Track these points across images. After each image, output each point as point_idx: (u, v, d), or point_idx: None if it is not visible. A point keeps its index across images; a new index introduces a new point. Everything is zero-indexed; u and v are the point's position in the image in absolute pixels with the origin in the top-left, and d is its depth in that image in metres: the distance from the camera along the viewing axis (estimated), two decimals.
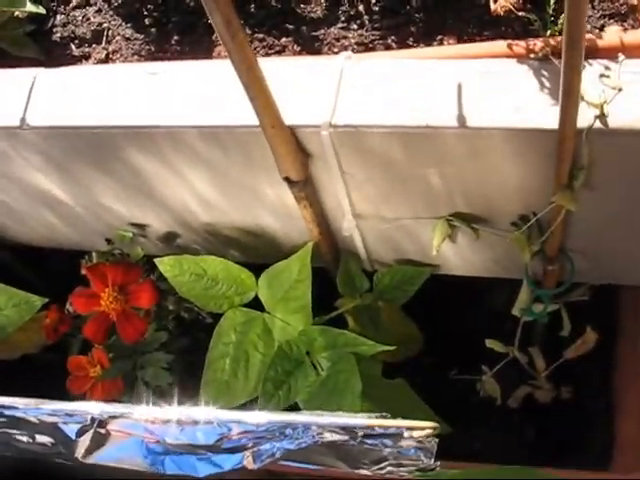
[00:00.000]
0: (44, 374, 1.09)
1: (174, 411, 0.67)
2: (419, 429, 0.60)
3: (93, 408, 0.68)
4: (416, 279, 0.93)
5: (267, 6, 0.95)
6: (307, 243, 0.89)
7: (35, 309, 0.98)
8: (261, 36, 0.92)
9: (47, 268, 1.22)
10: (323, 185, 0.83)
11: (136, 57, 0.96)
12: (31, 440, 0.72)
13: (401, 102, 0.73)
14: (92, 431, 0.69)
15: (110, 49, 0.97)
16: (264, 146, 0.76)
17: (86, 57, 0.98)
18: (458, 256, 0.92)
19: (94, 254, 0.99)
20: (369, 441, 0.65)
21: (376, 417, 0.60)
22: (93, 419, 0.68)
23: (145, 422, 0.68)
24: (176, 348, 0.98)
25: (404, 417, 0.64)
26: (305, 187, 0.80)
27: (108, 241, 1.01)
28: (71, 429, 0.69)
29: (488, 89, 0.72)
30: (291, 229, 0.93)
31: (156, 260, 0.91)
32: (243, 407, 0.91)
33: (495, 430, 1.07)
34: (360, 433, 0.61)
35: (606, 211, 0.78)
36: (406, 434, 0.61)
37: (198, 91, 0.80)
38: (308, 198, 0.82)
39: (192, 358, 1.04)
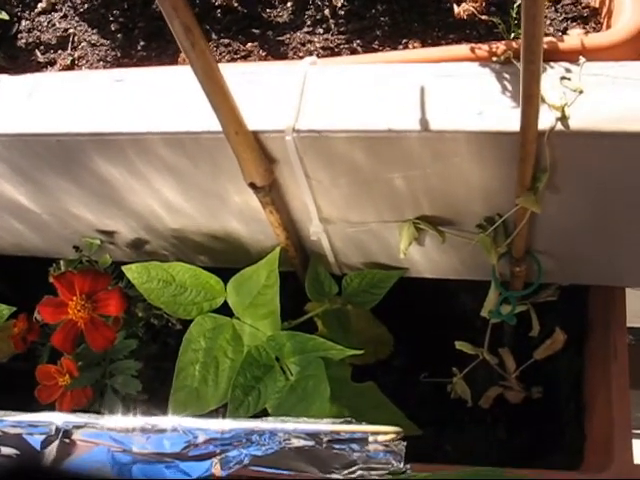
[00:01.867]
0: (13, 383, 1.09)
1: (139, 420, 0.66)
2: (383, 433, 0.60)
3: (57, 418, 0.67)
4: (385, 282, 0.93)
5: (233, 11, 0.95)
6: (275, 248, 0.89)
7: (3, 318, 0.98)
8: (227, 41, 0.92)
9: (15, 276, 1.21)
10: (289, 190, 0.82)
11: (102, 63, 0.95)
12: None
13: (364, 106, 0.73)
14: (57, 441, 0.69)
15: (76, 55, 0.97)
16: (229, 152, 0.75)
17: (51, 63, 0.97)
18: (426, 259, 0.92)
19: (62, 262, 0.98)
20: (337, 446, 0.65)
21: (340, 422, 0.60)
22: (58, 429, 0.68)
23: (111, 431, 0.68)
24: (145, 355, 0.98)
25: (374, 420, 0.65)
26: (270, 192, 0.80)
27: (76, 248, 1.01)
28: (36, 440, 0.69)
29: (451, 92, 0.72)
30: (259, 233, 0.93)
31: (124, 267, 0.90)
32: (214, 413, 0.91)
33: (466, 431, 1.07)
34: (325, 439, 0.62)
35: (570, 212, 0.79)
36: (371, 438, 0.61)
37: (163, 97, 0.79)
38: (274, 203, 0.82)
39: (161, 364, 1.04)
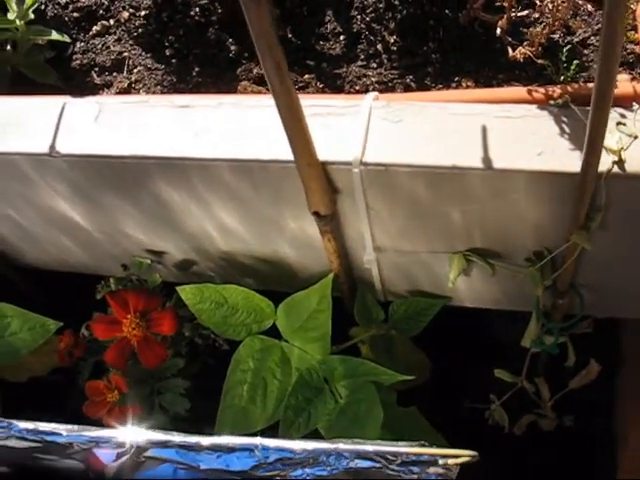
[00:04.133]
0: (51, 396, 1.10)
1: (214, 438, 0.68)
2: (454, 457, 0.63)
3: (133, 435, 0.69)
4: (429, 310, 0.96)
5: (287, 42, 0.98)
6: (326, 274, 0.91)
7: (50, 333, 0.99)
8: None
9: (53, 291, 1.22)
10: (348, 219, 0.85)
11: (159, 87, 0.98)
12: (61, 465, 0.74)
13: (428, 143, 0.76)
14: (127, 457, 0.71)
15: (132, 79, 0.99)
16: (294, 181, 0.78)
17: (107, 85, 1.00)
18: (470, 288, 0.95)
19: (112, 280, 1.00)
20: (397, 468, 0.67)
21: (416, 445, 0.62)
22: (131, 446, 0.70)
23: (181, 448, 0.70)
24: (190, 374, 1.00)
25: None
26: (331, 221, 0.83)
27: (124, 267, 1.03)
28: (107, 455, 0.71)
29: (511, 132, 0.76)
30: (308, 259, 0.95)
31: (178, 288, 0.92)
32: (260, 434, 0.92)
33: (501, 457, 1.09)
34: (398, 460, 0.64)
35: (616, 248, 0.82)
36: (441, 462, 0.63)
37: (229, 125, 0.82)
38: (333, 232, 0.84)
39: (203, 383, 1.05)
